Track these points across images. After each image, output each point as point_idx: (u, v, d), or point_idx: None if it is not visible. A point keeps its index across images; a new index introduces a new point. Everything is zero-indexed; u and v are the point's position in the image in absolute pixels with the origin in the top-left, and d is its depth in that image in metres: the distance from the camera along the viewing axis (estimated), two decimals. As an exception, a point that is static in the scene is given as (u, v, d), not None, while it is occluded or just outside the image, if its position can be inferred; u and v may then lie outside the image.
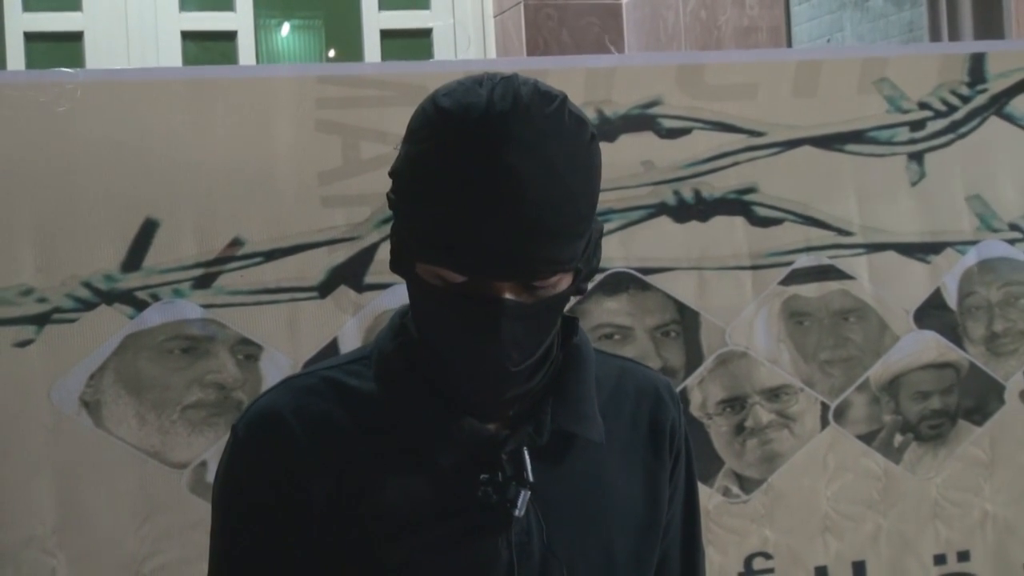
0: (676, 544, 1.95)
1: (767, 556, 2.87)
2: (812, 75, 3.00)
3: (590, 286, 1.82)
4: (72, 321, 2.51)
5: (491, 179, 1.57)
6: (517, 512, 1.70)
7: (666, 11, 5.73)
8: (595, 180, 1.68)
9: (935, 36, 4.25)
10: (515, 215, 1.58)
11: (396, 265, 1.73)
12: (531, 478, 1.72)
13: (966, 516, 3.01)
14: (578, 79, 2.81)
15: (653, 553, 1.88)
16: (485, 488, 1.71)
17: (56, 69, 2.59)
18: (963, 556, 3.00)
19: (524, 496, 1.71)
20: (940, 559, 2.98)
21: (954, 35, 4.19)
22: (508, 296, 1.63)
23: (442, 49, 6.28)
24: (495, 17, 6.24)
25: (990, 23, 4.11)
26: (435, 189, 1.61)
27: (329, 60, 6.36)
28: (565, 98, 1.65)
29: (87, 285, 2.52)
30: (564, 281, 1.68)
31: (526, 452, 1.73)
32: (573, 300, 1.81)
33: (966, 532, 3.00)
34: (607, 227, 2.79)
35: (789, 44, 5.08)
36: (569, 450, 1.79)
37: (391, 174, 1.70)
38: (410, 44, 6.31)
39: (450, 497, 1.72)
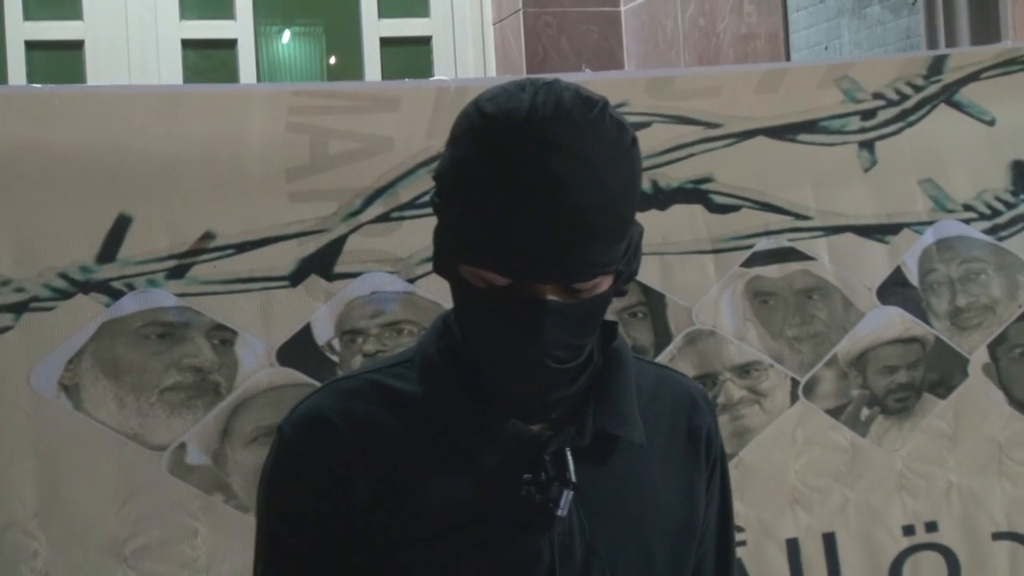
0: (711, 552, 1.99)
1: (739, 529, 2.89)
2: (777, 77, 3.07)
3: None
4: (49, 309, 2.55)
5: (534, 184, 1.61)
6: (560, 512, 1.74)
7: (665, 19, 5.76)
8: (636, 183, 1.73)
9: (932, 43, 4.26)
10: (558, 219, 1.62)
11: (440, 267, 1.78)
12: (573, 478, 1.76)
13: (931, 487, 3.04)
14: None
15: (690, 556, 1.91)
16: (528, 488, 1.75)
17: (32, 85, 2.64)
18: (931, 527, 3.04)
19: (567, 496, 1.74)
20: (909, 530, 3.02)
21: (951, 42, 4.18)
22: (551, 298, 1.67)
23: (441, 57, 6.31)
24: (494, 25, 6.27)
25: (987, 30, 4.12)
26: (479, 193, 1.65)
27: (330, 67, 6.39)
28: (606, 103, 1.69)
29: (63, 276, 2.57)
30: (605, 283, 1.72)
31: (568, 453, 1.77)
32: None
33: (932, 503, 3.04)
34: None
35: (787, 51, 5.09)
36: (611, 452, 1.83)
37: (435, 177, 1.75)
38: (410, 52, 6.35)
39: (493, 497, 1.76)
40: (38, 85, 2.63)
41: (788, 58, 5.08)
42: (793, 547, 2.96)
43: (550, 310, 1.67)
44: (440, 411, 1.80)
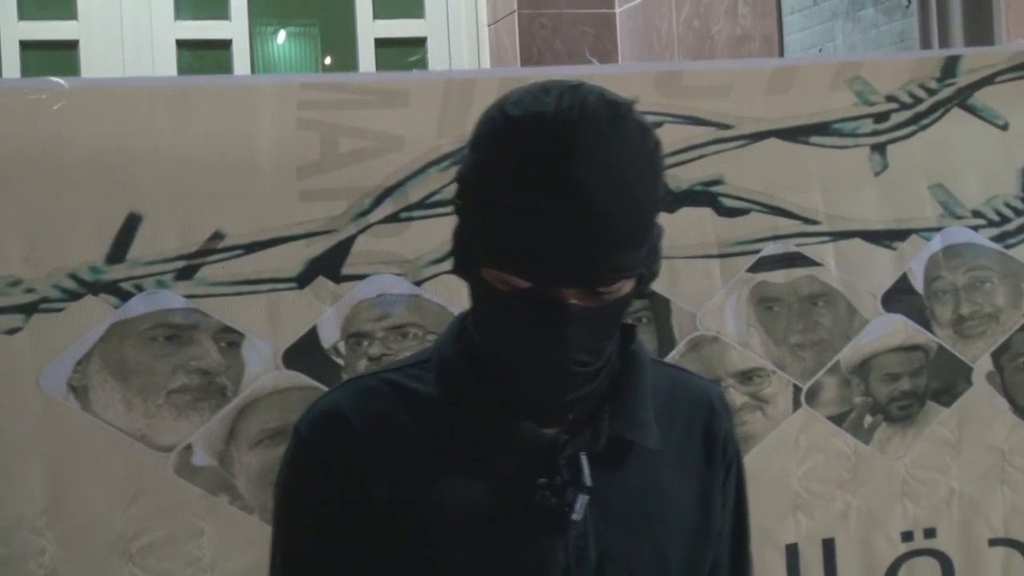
0: (726, 555, 1.98)
1: None
2: (788, 76, 3.06)
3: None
4: (59, 311, 2.56)
5: (559, 188, 1.60)
6: (575, 516, 1.73)
7: (659, 20, 5.77)
8: (659, 186, 1.72)
9: (926, 46, 4.27)
10: (582, 223, 1.61)
11: (460, 268, 1.77)
12: (588, 482, 1.75)
13: (933, 494, 3.05)
14: None
15: (706, 560, 1.91)
16: (543, 492, 1.74)
17: (46, 77, 2.65)
18: (930, 533, 3.04)
19: (582, 500, 1.74)
20: (907, 536, 3.03)
21: (944, 44, 4.19)
22: (574, 301, 1.67)
23: (436, 58, 6.31)
24: (489, 26, 6.27)
25: (981, 33, 4.13)
26: (503, 196, 1.65)
27: (325, 68, 6.39)
28: (631, 106, 1.69)
29: (73, 276, 2.57)
30: (628, 286, 1.71)
31: (583, 457, 1.76)
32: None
33: (933, 509, 3.05)
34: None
35: (781, 53, 5.09)
36: (626, 456, 1.82)
37: (457, 179, 1.74)
38: (404, 52, 6.35)
39: (508, 500, 1.76)
40: (54, 78, 2.61)
41: (783, 60, 5.09)
42: (792, 552, 2.97)
43: (573, 314, 1.67)
44: (456, 413, 1.79)
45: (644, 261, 1.72)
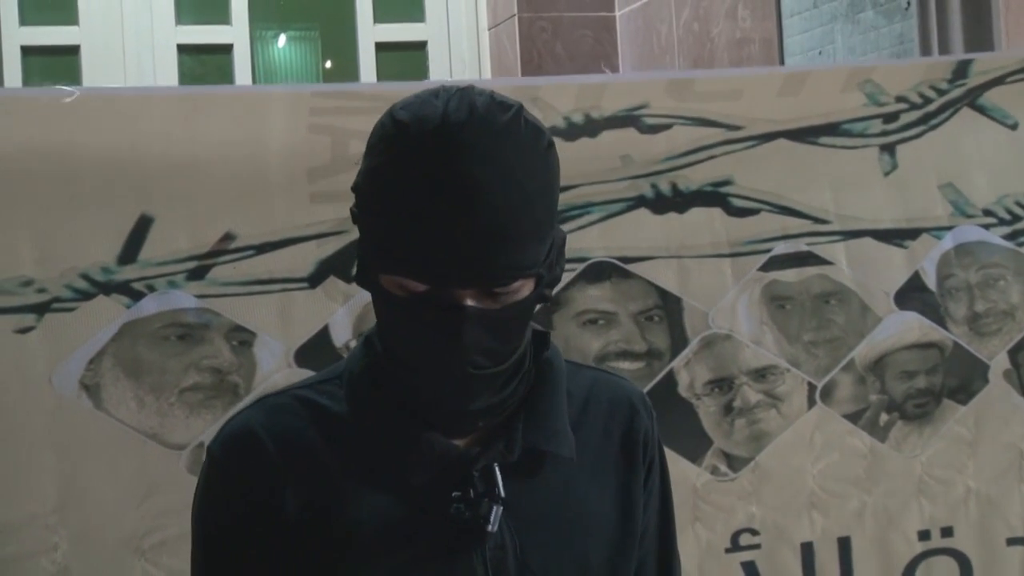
0: (652, 552, 1.98)
1: (754, 532, 2.92)
2: (799, 80, 3.06)
3: (554, 291, 1.85)
4: (71, 310, 2.56)
5: (448, 188, 1.61)
6: (490, 528, 1.73)
7: (659, 24, 5.77)
8: (553, 186, 1.72)
9: (925, 48, 4.28)
10: (473, 223, 1.61)
11: (361, 278, 1.77)
12: (503, 494, 1.75)
13: (950, 493, 3.04)
14: (570, 93, 2.87)
15: (629, 563, 1.90)
16: (457, 505, 1.74)
17: (57, 87, 2.65)
18: (947, 532, 3.04)
19: (497, 512, 1.73)
20: (924, 535, 3.02)
21: (944, 47, 4.21)
22: (470, 303, 1.67)
23: (437, 62, 6.31)
24: (489, 30, 6.28)
25: (980, 35, 4.14)
26: (393, 200, 1.65)
27: (325, 72, 6.39)
28: (521, 107, 1.68)
29: (85, 276, 2.57)
30: (526, 287, 1.71)
31: (497, 468, 1.76)
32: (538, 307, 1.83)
33: (949, 508, 3.04)
34: (587, 220, 2.85)
35: (781, 56, 5.11)
36: (541, 465, 1.82)
37: (353, 188, 1.74)
38: (405, 57, 6.35)
39: (422, 515, 1.75)
40: (65, 87, 2.61)
41: (782, 63, 5.11)
42: (808, 551, 2.96)
43: (468, 315, 1.67)
44: (365, 429, 1.79)
45: (543, 263, 1.72)
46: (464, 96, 1.66)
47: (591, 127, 2.84)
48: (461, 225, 1.61)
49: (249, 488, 1.79)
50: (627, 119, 2.89)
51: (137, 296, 2.60)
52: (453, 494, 1.74)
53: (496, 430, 1.79)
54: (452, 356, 1.68)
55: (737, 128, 2.97)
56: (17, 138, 2.56)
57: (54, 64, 5.94)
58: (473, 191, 1.61)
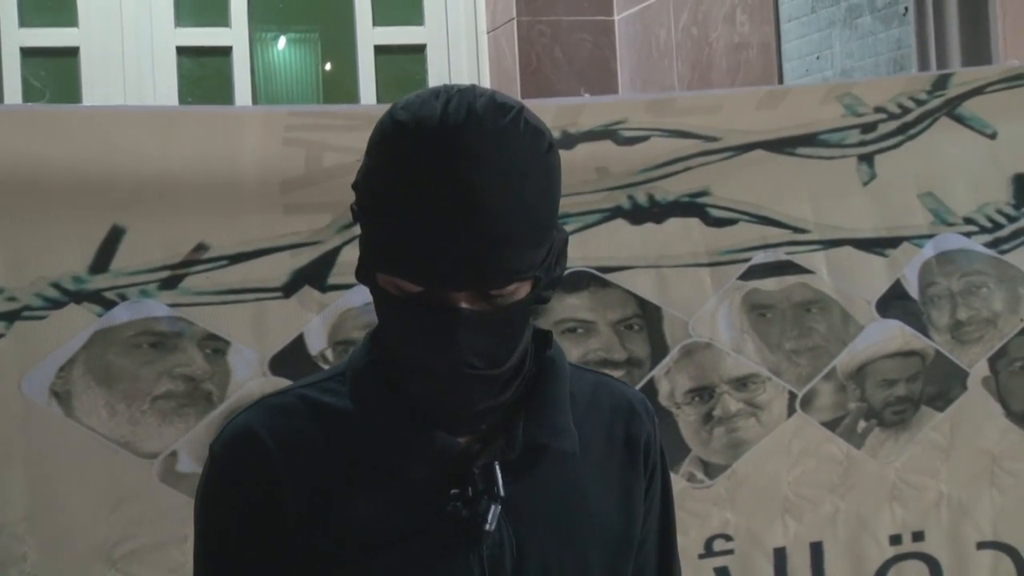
0: (652, 559, 1.97)
1: (727, 538, 2.91)
2: (779, 96, 3.08)
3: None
4: (41, 318, 2.55)
5: (444, 190, 1.60)
6: (488, 526, 1.73)
7: (658, 28, 5.77)
8: (553, 189, 1.72)
9: (923, 54, 4.28)
10: (468, 226, 1.61)
11: (360, 275, 1.77)
12: (502, 492, 1.74)
13: (922, 497, 3.04)
14: (548, 113, 2.86)
15: (628, 566, 1.90)
16: (455, 503, 1.74)
17: (28, 104, 2.65)
18: (918, 536, 3.03)
19: (495, 510, 1.73)
20: (896, 539, 3.02)
21: (941, 53, 4.21)
22: (464, 305, 1.67)
23: (435, 65, 6.32)
24: (488, 33, 6.28)
25: (977, 40, 4.14)
26: (391, 201, 1.65)
27: (325, 74, 6.39)
28: (522, 108, 1.68)
29: (56, 286, 2.56)
30: (522, 290, 1.71)
31: (497, 466, 1.76)
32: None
33: (921, 513, 3.04)
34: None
35: (779, 60, 5.11)
36: (542, 463, 1.81)
37: (353, 187, 1.74)
38: (404, 60, 6.36)
39: (422, 513, 1.75)
40: (35, 104, 2.62)
41: (780, 67, 5.11)
42: (780, 556, 2.96)
43: (463, 318, 1.67)
44: (368, 426, 1.79)
45: (540, 265, 1.72)
46: (464, 97, 1.66)
47: (567, 140, 2.83)
48: (456, 228, 1.61)
49: (249, 487, 1.79)
50: (604, 132, 2.89)
51: (109, 305, 2.59)
52: (451, 492, 1.74)
53: (498, 427, 1.79)
54: (446, 358, 1.68)
55: (714, 139, 2.96)
56: None
57: (53, 66, 5.95)
58: (468, 195, 1.60)
